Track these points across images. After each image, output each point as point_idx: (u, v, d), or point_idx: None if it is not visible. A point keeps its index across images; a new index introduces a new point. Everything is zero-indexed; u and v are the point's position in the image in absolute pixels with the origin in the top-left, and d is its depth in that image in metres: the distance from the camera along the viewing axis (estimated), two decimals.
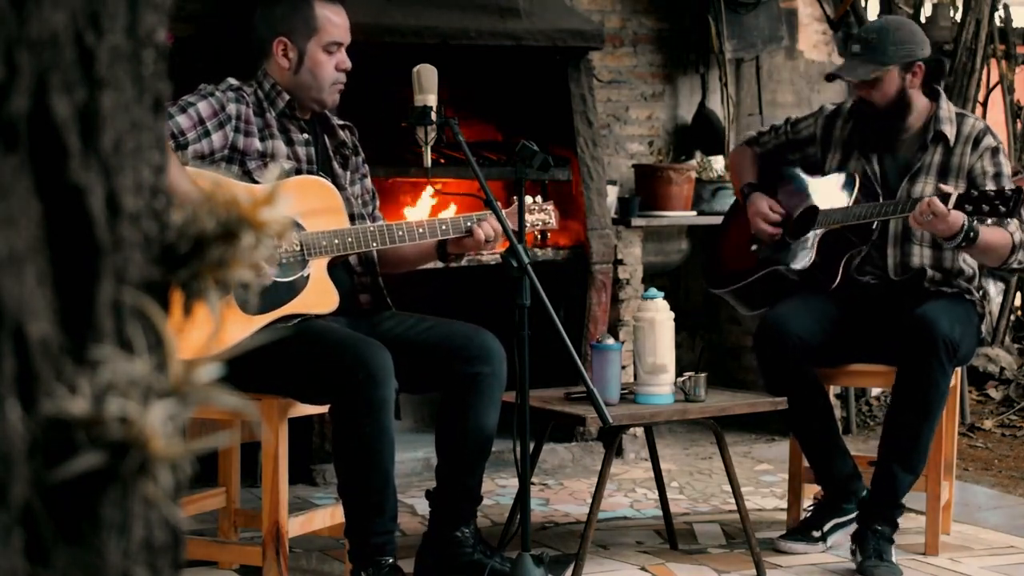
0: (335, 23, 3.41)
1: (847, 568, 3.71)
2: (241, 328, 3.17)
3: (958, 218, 3.55)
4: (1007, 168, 3.84)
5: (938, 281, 3.82)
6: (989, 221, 3.64)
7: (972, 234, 3.57)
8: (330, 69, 3.40)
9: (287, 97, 3.41)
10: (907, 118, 3.89)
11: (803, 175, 4.06)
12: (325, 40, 3.39)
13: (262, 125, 3.37)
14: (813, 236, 3.92)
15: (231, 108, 3.31)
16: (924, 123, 3.89)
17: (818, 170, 4.04)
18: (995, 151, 3.84)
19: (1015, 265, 3.77)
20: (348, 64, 3.43)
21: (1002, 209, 3.54)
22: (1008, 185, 3.75)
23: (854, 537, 3.71)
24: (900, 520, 3.72)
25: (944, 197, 3.54)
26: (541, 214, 3.62)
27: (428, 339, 3.40)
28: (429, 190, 5.02)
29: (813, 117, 4.11)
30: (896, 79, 3.85)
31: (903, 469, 3.67)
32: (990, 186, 3.75)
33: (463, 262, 4.14)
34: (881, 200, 3.85)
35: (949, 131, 3.85)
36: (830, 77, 3.97)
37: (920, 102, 3.90)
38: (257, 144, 3.34)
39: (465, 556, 3.38)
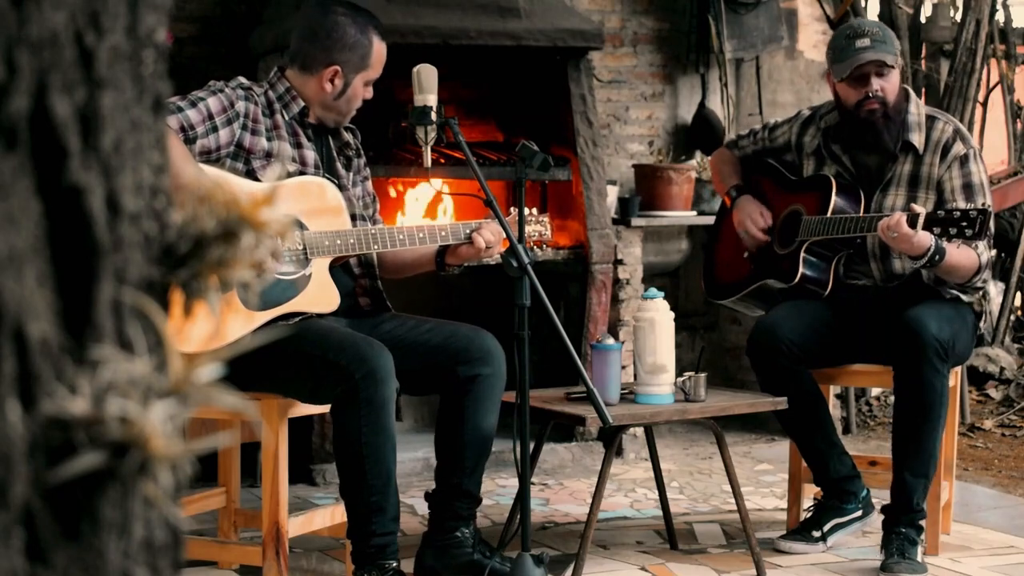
0: (381, 62, 3.48)
1: (847, 568, 3.71)
2: (242, 324, 3.18)
3: (925, 239, 3.52)
4: (977, 176, 3.75)
5: (935, 280, 3.81)
6: (957, 242, 3.59)
7: (937, 256, 3.55)
8: (360, 100, 3.47)
9: (302, 104, 3.42)
10: (902, 121, 3.79)
11: (785, 172, 4.05)
12: (371, 77, 3.46)
13: (270, 126, 3.38)
14: (798, 244, 3.89)
15: (240, 106, 3.31)
16: (896, 132, 3.85)
17: (797, 174, 4.03)
18: (964, 159, 3.76)
19: (978, 284, 3.74)
20: (371, 96, 3.50)
21: (968, 232, 3.49)
22: (979, 198, 3.71)
23: (881, 541, 3.71)
24: (922, 522, 3.71)
25: (913, 218, 3.51)
26: (537, 226, 3.65)
27: (428, 341, 3.40)
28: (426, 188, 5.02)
29: (788, 124, 4.09)
30: (898, 76, 3.84)
31: (913, 474, 3.66)
32: (959, 199, 3.71)
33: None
34: (862, 200, 3.84)
35: (917, 139, 3.79)
36: (856, 66, 3.72)
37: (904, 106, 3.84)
38: (264, 143, 3.34)
39: (465, 556, 3.38)
